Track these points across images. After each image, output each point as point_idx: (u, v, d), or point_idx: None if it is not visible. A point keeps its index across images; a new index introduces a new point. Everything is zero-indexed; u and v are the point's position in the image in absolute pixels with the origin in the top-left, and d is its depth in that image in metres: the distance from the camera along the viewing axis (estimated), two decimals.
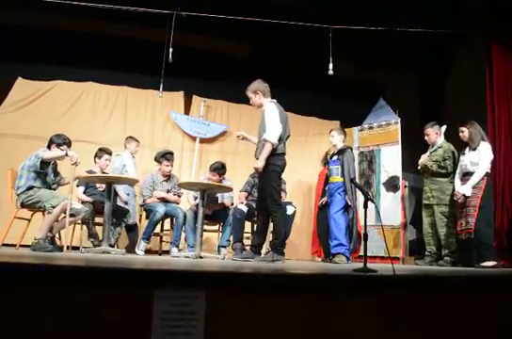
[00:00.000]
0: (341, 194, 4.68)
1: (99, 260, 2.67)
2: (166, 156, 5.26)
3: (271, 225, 4.11)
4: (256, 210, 4.25)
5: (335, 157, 4.90)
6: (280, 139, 3.91)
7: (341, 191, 4.68)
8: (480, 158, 4.48)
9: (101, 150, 5.02)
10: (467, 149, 4.65)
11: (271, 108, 3.96)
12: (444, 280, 2.23)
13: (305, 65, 6.50)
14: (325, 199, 4.88)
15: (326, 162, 6.17)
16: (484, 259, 4.25)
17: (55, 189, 4.44)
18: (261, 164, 3.83)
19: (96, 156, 4.98)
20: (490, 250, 4.35)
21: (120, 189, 5.13)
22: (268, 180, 3.90)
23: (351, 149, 5.07)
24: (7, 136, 5.67)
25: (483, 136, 4.62)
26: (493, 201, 4.68)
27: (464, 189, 4.48)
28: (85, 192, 4.93)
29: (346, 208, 4.64)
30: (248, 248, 4.36)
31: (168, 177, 5.32)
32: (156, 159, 5.33)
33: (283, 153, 3.97)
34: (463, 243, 4.54)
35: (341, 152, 4.87)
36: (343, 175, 4.74)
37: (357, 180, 4.83)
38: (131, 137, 5.63)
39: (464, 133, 4.66)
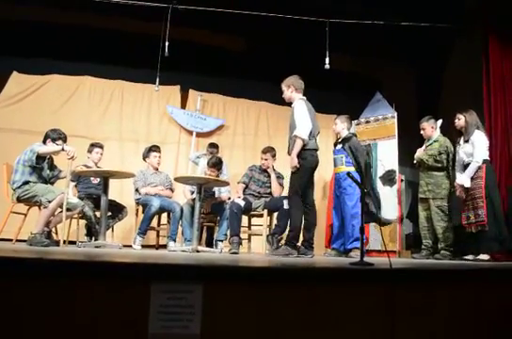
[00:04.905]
0: (351, 186, 4.46)
1: (95, 254, 2.67)
2: (152, 149, 5.37)
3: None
4: None
5: (339, 146, 4.76)
6: (311, 136, 4.00)
7: (351, 182, 4.33)
8: (474, 148, 4.41)
9: (92, 145, 5.10)
10: (461, 140, 4.62)
11: (300, 106, 4.07)
12: (441, 273, 2.24)
13: (301, 59, 6.47)
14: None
15: None
16: (484, 251, 4.20)
17: (53, 183, 4.44)
18: (295, 161, 3.89)
19: (88, 151, 5.04)
20: (495, 243, 4.21)
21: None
22: (299, 176, 3.93)
23: (356, 136, 4.89)
24: (2, 130, 5.64)
25: (479, 126, 4.56)
26: (497, 186, 4.51)
27: (462, 179, 4.42)
28: (78, 187, 4.94)
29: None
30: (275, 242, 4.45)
31: (157, 170, 5.37)
32: (144, 156, 5.41)
33: (315, 150, 4.04)
34: (466, 236, 4.44)
35: (345, 140, 4.75)
36: (348, 165, 4.60)
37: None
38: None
39: (460, 120, 4.62)
